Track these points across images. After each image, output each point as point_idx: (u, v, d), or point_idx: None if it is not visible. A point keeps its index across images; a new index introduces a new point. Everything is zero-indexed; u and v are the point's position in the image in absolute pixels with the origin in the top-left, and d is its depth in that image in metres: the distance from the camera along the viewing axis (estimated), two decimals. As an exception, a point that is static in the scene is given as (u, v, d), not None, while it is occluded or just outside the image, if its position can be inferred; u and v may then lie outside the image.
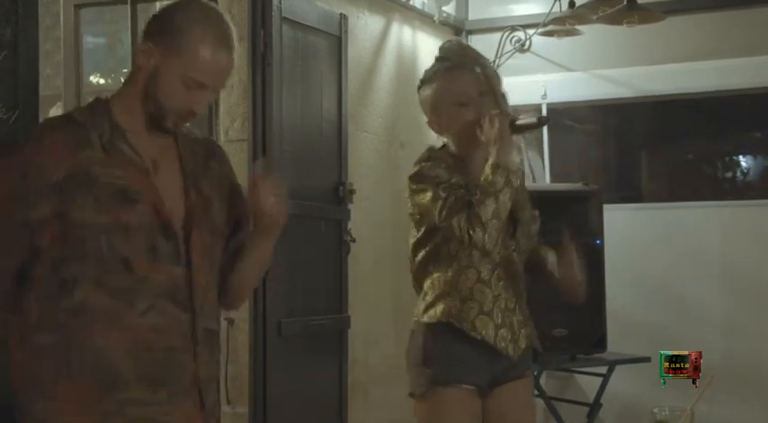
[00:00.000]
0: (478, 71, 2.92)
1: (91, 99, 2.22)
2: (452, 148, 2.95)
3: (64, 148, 2.04)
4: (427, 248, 2.91)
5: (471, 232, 2.72)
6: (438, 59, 3.00)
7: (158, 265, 2.06)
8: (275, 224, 2.19)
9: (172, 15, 2.10)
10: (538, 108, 5.62)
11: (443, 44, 3.08)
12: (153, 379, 2.04)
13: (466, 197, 2.76)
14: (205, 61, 2.06)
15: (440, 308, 2.86)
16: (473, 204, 2.73)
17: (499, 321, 2.86)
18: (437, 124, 2.96)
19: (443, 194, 2.77)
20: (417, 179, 2.86)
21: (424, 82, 2.99)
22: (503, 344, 2.87)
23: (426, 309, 2.90)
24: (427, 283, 2.91)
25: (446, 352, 2.85)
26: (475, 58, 2.97)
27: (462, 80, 2.91)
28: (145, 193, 2.07)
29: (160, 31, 2.09)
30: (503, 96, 2.96)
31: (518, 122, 2.81)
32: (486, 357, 2.87)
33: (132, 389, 2.02)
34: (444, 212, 2.75)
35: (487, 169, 2.76)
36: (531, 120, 2.86)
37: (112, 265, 2.02)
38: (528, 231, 2.98)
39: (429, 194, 2.79)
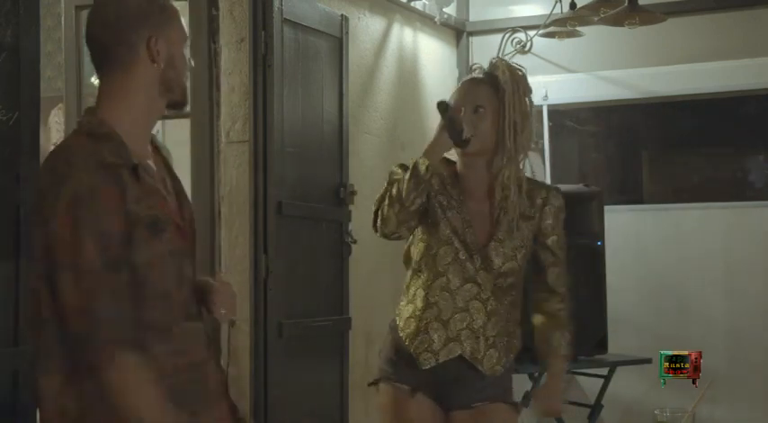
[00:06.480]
0: (509, 92, 2.83)
1: (92, 100, 2.14)
2: (456, 157, 2.94)
3: (117, 201, 1.92)
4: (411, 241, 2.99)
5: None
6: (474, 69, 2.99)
7: (183, 288, 2.03)
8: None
9: (126, 3, 2.00)
10: (539, 109, 5.62)
11: (492, 59, 3.00)
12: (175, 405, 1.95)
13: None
14: (178, 17, 2.05)
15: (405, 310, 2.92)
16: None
17: (453, 335, 2.83)
18: None
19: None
20: None
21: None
22: (447, 356, 2.83)
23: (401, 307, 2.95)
24: (408, 274, 2.97)
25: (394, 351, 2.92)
26: (512, 81, 2.86)
27: (484, 88, 2.88)
28: (170, 220, 2.02)
29: (142, 17, 1.98)
30: (523, 131, 2.85)
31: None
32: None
33: None
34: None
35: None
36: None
37: (156, 302, 1.96)
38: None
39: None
